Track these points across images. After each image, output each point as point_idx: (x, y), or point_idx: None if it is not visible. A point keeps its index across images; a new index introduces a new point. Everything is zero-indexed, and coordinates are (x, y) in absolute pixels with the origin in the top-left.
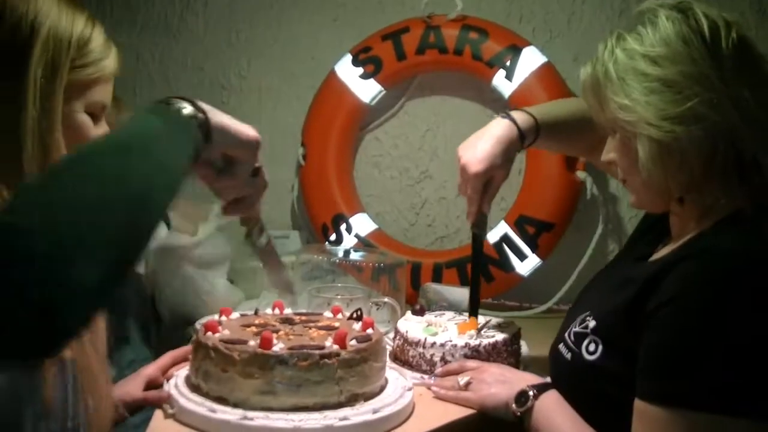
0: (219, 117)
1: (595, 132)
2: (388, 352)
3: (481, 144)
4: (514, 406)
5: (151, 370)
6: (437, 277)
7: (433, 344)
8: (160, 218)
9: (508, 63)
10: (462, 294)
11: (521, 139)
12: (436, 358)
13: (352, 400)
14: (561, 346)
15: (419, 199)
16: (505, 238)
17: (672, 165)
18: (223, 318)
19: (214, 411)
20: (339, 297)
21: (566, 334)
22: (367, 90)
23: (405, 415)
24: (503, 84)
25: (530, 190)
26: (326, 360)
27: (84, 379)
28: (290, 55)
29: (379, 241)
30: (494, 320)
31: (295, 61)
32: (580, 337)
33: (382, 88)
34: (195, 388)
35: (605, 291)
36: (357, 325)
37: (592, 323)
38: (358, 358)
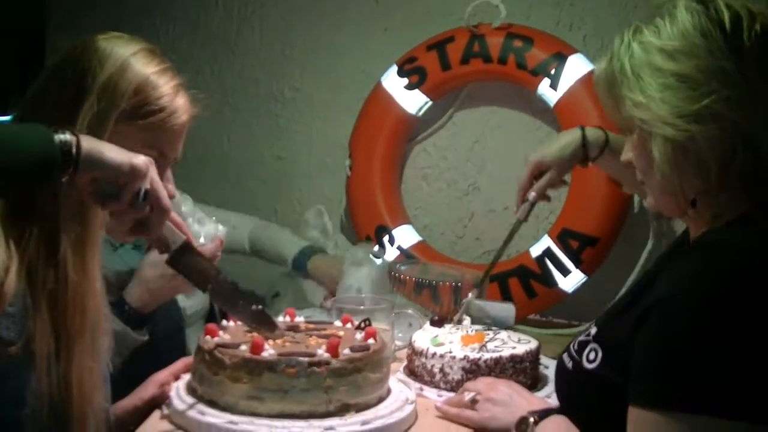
0: (95, 145)
1: None
2: (402, 365)
3: (547, 143)
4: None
5: (163, 375)
6: (480, 292)
7: (434, 355)
8: None
9: (552, 71)
10: (504, 309)
11: (584, 149)
12: (436, 369)
13: (342, 410)
14: (565, 356)
15: (467, 212)
16: (548, 253)
17: (687, 167)
18: (230, 324)
19: (203, 414)
20: (362, 308)
21: (571, 344)
22: (412, 101)
23: (399, 429)
24: (548, 93)
25: (575, 204)
26: (314, 368)
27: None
28: (341, 67)
29: (423, 254)
30: (511, 335)
31: (345, 72)
32: (582, 345)
33: (428, 99)
34: (192, 390)
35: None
36: (360, 335)
37: (593, 330)
38: (351, 368)
